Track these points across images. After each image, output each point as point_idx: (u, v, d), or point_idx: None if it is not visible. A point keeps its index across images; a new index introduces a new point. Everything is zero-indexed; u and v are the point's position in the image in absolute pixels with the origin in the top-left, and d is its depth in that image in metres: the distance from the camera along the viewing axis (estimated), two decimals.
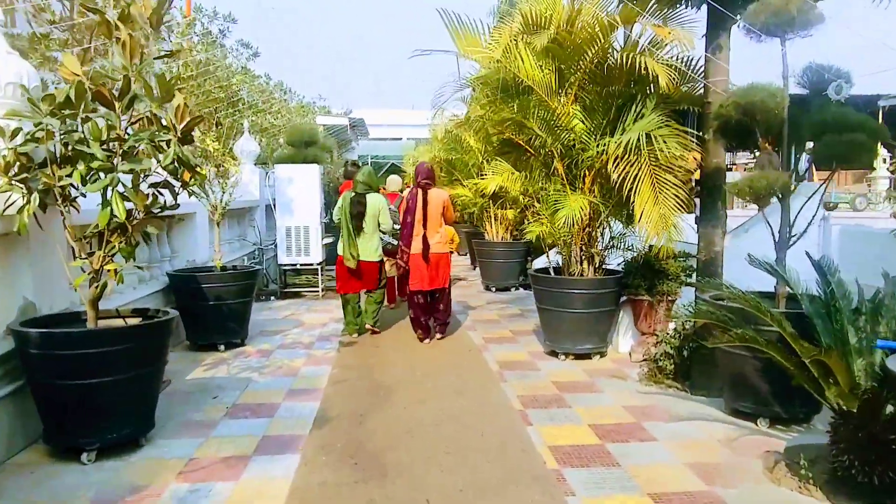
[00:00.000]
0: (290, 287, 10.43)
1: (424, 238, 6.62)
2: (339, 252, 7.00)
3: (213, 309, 6.36)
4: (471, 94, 10.53)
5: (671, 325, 5.80)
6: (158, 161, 3.87)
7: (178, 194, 4.39)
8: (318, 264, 9.99)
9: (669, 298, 5.87)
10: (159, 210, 4.32)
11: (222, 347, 6.48)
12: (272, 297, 9.82)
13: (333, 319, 8.12)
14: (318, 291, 10.08)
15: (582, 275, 6.00)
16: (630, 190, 5.04)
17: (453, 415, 4.57)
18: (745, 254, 5.10)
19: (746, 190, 4.19)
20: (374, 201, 6.92)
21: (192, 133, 4.03)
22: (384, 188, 8.63)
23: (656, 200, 4.86)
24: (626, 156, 4.99)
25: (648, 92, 5.51)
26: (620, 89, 5.60)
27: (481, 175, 10.22)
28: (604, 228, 6.06)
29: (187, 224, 7.60)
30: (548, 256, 6.37)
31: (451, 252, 7.04)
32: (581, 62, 5.60)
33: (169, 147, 3.90)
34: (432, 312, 6.95)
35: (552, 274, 6.17)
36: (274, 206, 10.05)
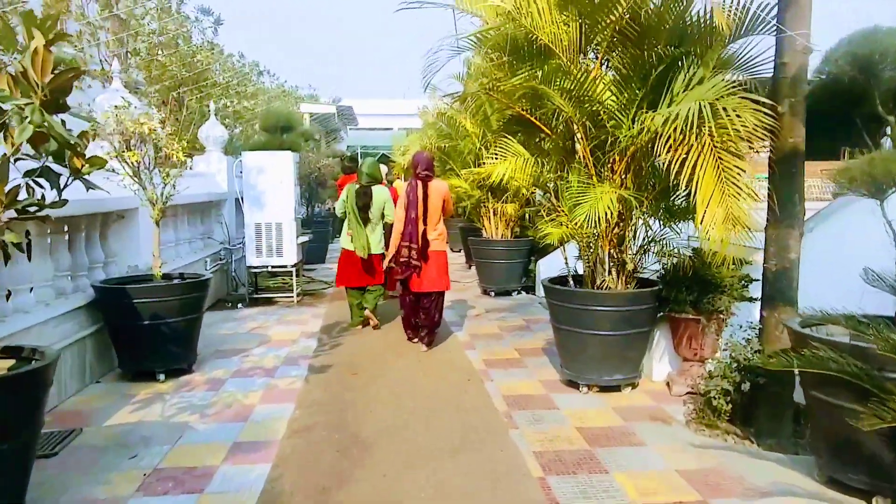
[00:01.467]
0: (262, 292, 9.17)
1: (424, 234, 6.06)
2: (344, 245, 7.04)
3: (150, 329, 5.10)
4: (466, 73, 9.30)
5: (721, 352, 4.60)
6: (5, 137, 2.59)
7: (65, 186, 3.13)
8: (292, 266, 8.72)
9: (721, 317, 4.65)
10: (36, 209, 3.06)
11: (162, 376, 5.22)
12: (239, 305, 8.55)
13: (306, 334, 6.87)
14: (292, 298, 8.81)
15: (610, 287, 4.77)
16: (683, 179, 3.78)
17: (451, 489, 3.34)
18: (823, 262, 3.92)
19: (862, 178, 2.96)
20: (380, 193, 6.83)
21: (66, 94, 2.74)
22: None
23: (723, 193, 3.61)
24: (678, 134, 3.72)
25: (699, 53, 4.27)
26: (661, 51, 4.36)
27: (480, 164, 8.98)
28: (636, 227, 4.82)
29: (129, 222, 6.31)
30: (565, 259, 5.12)
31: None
32: (611, 15, 4.36)
33: (28, 115, 2.62)
34: (420, 313, 6.29)
35: (572, 286, 4.94)
36: (242, 199, 8.76)
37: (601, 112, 4.49)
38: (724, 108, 3.61)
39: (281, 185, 8.62)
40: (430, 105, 10.02)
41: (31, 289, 4.81)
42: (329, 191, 15.94)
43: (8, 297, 4.14)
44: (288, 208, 8.64)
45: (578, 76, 4.33)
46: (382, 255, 6.76)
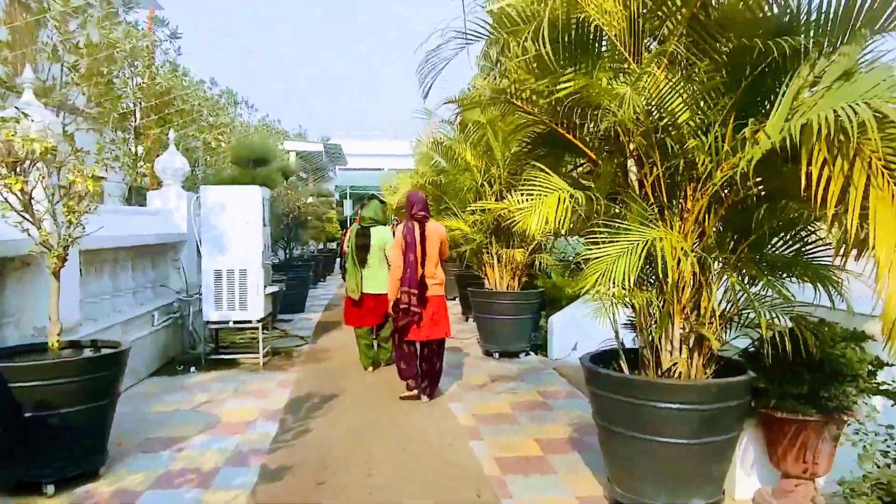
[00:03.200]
0: (225, 351, 7.71)
1: (422, 279, 5.67)
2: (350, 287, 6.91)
3: (34, 423, 3.64)
4: (470, 86, 8.07)
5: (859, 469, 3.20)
6: None
7: None
8: (259, 321, 7.29)
9: (844, 419, 3.26)
10: None
11: (50, 489, 3.75)
12: (193, 369, 7.06)
13: (266, 413, 5.41)
14: (258, 358, 7.35)
15: (681, 373, 3.38)
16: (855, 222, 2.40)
17: None
18: None
19: None
20: (381, 234, 6.78)
21: None
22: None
23: None
24: (829, 153, 2.38)
25: (821, 47, 2.97)
26: (757, 45, 3.05)
27: (488, 200, 7.66)
28: (711, 288, 3.43)
29: (37, 271, 4.89)
30: (615, 331, 3.70)
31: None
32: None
33: None
34: (421, 363, 5.89)
35: (625, 369, 3.54)
36: (199, 241, 7.38)
37: (673, 129, 3.17)
38: None
39: (247, 225, 7.28)
40: (424, 134, 8.76)
41: None
42: (312, 231, 14.62)
43: None
44: (254, 253, 7.27)
45: (652, 81, 3.01)
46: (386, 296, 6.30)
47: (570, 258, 10.75)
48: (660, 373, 3.42)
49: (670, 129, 3.13)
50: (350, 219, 27.89)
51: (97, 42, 6.55)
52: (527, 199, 3.40)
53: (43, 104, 6.03)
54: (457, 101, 5.30)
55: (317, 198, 18.69)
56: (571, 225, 3.53)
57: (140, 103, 8.76)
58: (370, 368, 6.98)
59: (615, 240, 3.02)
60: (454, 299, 12.79)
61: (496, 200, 7.68)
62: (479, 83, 7.11)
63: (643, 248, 2.88)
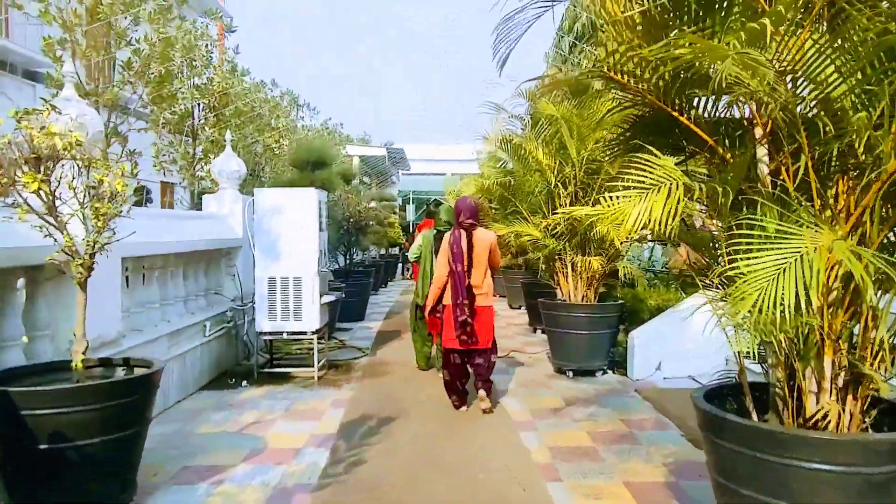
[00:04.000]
0: (278, 363, 7.29)
1: (469, 289, 5.55)
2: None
3: (49, 456, 3.20)
4: (543, 79, 7.38)
5: None
6: None
7: None
8: (314, 332, 6.81)
9: None
10: None
11: None
12: (244, 382, 6.64)
13: (317, 438, 4.88)
14: (313, 373, 6.87)
15: (830, 421, 2.61)
16: None
17: None
18: None
19: None
20: None
21: None
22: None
23: None
24: None
25: None
26: None
27: (552, 208, 6.98)
28: (878, 311, 2.65)
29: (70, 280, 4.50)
30: (739, 361, 2.94)
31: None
32: None
33: None
34: (467, 375, 5.85)
35: (753, 414, 2.79)
36: (253, 246, 6.97)
37: (823, 104, 2.42)
38: None
39: (302, 230, 6.81)
40: (491, 132, 8.12)
41: None
42: (373, 236, 14.19)
43: None
44: (310, 259, 6.80)
45: (794, 43, 2.28)
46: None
47: (651, 267, 9.91)
48: (801, 420, 2.66)
49: (821, 101, 2.39)
50: (413, 224, 27.56)
51: (151, 39, 6.22)
52: (617, 199, 2.71)
53: (94, 102, 5.74)
54: (538, 79, 4.64)
55: (379, 202, 18.34)
56: (672, 229, 2.79)
57: (199, 104, 8.46)
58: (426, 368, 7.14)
59: (766, 247, 2.29)
60: (519, 308, 12.14)
61: (570, 203, 6.99)
62: (553, 74, 6.44)
63: (825, 258, 2.14)
